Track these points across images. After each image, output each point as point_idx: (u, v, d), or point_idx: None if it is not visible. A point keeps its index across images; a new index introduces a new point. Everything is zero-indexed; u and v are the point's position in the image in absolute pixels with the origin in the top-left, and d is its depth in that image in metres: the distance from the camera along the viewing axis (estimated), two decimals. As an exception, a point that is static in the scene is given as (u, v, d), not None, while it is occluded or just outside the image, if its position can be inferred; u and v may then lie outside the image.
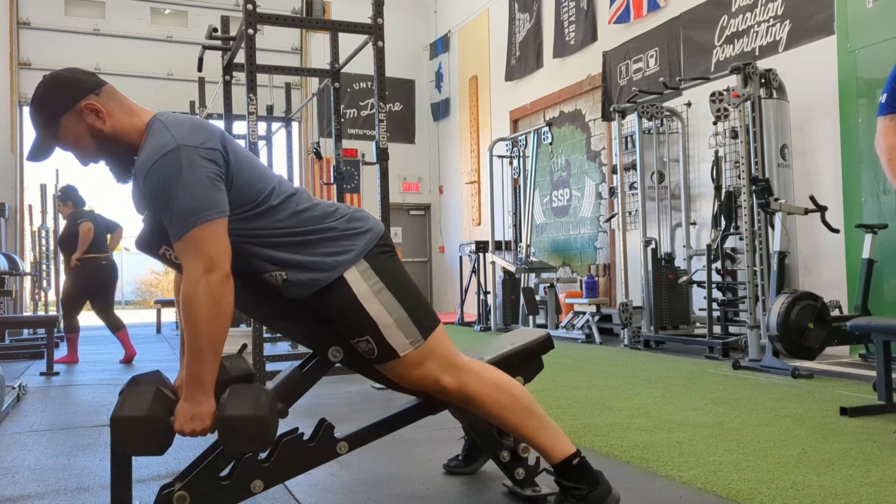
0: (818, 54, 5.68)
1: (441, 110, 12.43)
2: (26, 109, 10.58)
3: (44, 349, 6.09)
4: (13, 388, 4.17)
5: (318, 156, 6.73)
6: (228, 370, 1.76)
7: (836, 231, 4.93)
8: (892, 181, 2.94)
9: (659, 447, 2.70)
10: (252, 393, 1.65)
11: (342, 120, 6.16)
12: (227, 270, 1.64)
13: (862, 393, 3.77)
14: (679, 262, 6.55)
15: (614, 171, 6.93)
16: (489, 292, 8.89)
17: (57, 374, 5.37)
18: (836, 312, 4.67)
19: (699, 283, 6.02)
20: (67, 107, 1.70)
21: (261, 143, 6.64)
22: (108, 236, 6.30)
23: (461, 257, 10.00)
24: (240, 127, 6.16)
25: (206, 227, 1.62)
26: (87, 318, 6.24)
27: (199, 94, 7.72)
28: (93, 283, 6.06)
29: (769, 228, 5.03)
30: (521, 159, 8.74)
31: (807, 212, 4.85)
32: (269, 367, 4.24)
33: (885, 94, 3.14)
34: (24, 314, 9.33)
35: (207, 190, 1.63)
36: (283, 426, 1.92)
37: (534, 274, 8.36)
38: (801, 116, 5.79)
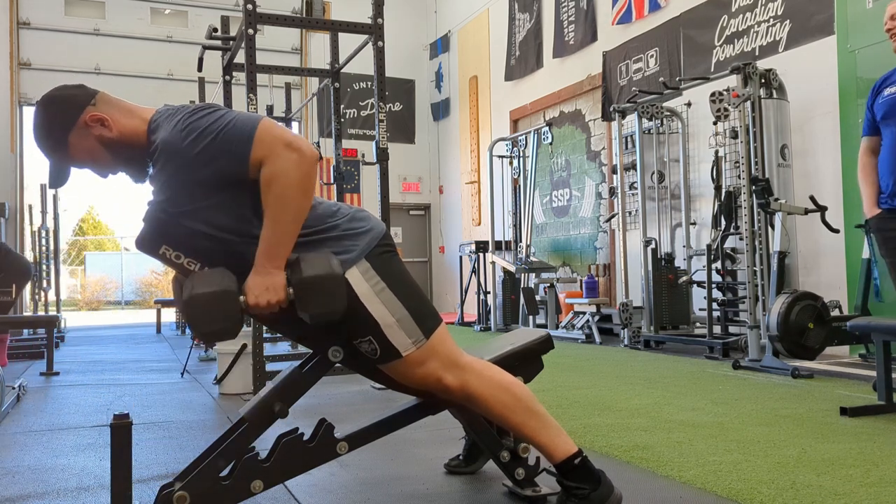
0: (818, 54, 5.68)
1: (441, 110, 12.43)
2: (26, 109, 10.61)
3: (44, 349, 6.09)
4: (13, 388, 4.17)
5: (318, 156, 6.73)
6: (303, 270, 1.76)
7: (836, 231, 4.93)
8: (861, 190, 3.46)
9: (659, 447, 2.70)
10: (322, 257, 1.70)
11: (342, 120, 6.16)
12: (312, 149, 1.67)
13: (862, 393, 3.77)
14: (679, 262, 6.55)
15: (614, 171, 6.93)
16: (489, 292, 8.89)
17: (57, 374, 5.37)
18: (836, 312, 4.67)
19: (699, 283, 6.02)
20: (71, 124, 1.70)
21: (261, 143, 6.63)
22: None
23: (461, 257, 10.00)
24: (240, 127, 6.14)
25: (267, 122, 1.67)
26: (87, 318, 6.23)
27: (199, 94, 7.72)
28: None
29: (769, 228, 5.03)
30: (521, 159, 8.74)
31: (807, 212, 4.85)
32: (269, 367, 4.24)
33: (865, 117, 3.47)
34: (24, 314, 9.33)
35: (242, 112, 1.71)
36: (283, 426, 1.92)
37: (534, 274, 8.36)
38: (801, 116, 5.79)
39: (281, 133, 1.65)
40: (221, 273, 1.67)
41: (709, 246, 5.75)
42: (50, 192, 10.01)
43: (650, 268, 6.28)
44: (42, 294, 9.69)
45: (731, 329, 5.78)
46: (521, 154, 8.74)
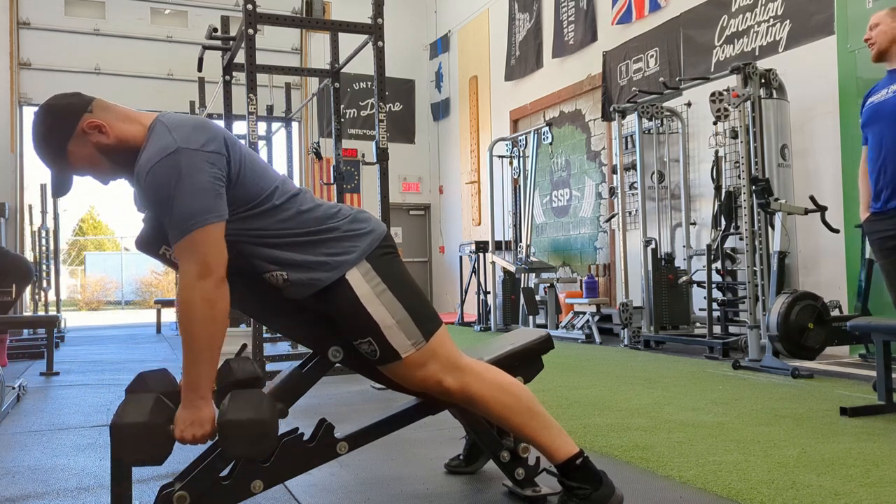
0: (818, 54, 5.68)
1: (441, 110, 12.43)
2: (27, 109, 10.61)
3: (44, 349, 6.09)
4: (13, 388, 4.17)
5: (318, 156, 6.73)
6: (235, 372, 1.76)
7: (836, 231, 4.93)
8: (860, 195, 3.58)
9: (659, 447, 2.70)
10: (252, 397, 1.65)
11: (342, 120, 6.16)
12: (221, 275, 1.64)
13: (862, 393, 3.77)
14: (679, 262, 6.55)
15: (614, 171, 6.93)
16: (489, 292, 8.88)
17: (57, 374, 5.37)
18: (836, 312, 4.67)
19: (699, 283, 6.02)
20: (69, 133, 1.69)
21: (261, 143, 6.65)
22: None
23: (461, 257, 10.00)
24: (240, 127, 6.16)
25: (202, 232, 1.62)
26: (87, 318, 6.24)
27: (199, 94, 7.72)
28: None
29: (769, 228, 5.03)
30: (521, 159, 8.74)
31: (807, 212, 4.85)
32: (269, 367, 4.24)
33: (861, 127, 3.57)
34: (24, 314, 9.33)
35: (206, 194, 1.63)
36: (283, 426, 1.92)
37: (534, 274, 8.36)
38: (801, 116, 5.79)
39: (203, 253, 1.62)
40: (154, 401, 1.64)
41: (709, 246, 5.74)
42: (50, 193, 10.01)
43: (650, 268, 6.28)
44: (42, 294, 9.69)
45: (731, 329, 5.78)
46: (521, 154, 8.74)
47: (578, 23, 8.72)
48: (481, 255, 9.14)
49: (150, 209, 1.73)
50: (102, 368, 5.77)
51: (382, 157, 4.39)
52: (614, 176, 6.97)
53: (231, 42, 5.29)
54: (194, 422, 1.63)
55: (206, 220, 1.62)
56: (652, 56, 7.47)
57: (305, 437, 1.84)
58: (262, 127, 7.63)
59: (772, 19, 6.12)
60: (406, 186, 12.62)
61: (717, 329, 5.82)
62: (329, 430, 1.85)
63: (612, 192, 7.03)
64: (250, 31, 4.24)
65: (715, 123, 5.74)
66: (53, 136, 1.69)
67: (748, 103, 5.08)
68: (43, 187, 10.17)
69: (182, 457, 2.73)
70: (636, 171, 6.56)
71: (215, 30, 5.31)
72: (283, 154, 7.64)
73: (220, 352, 1.66)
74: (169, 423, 1.63)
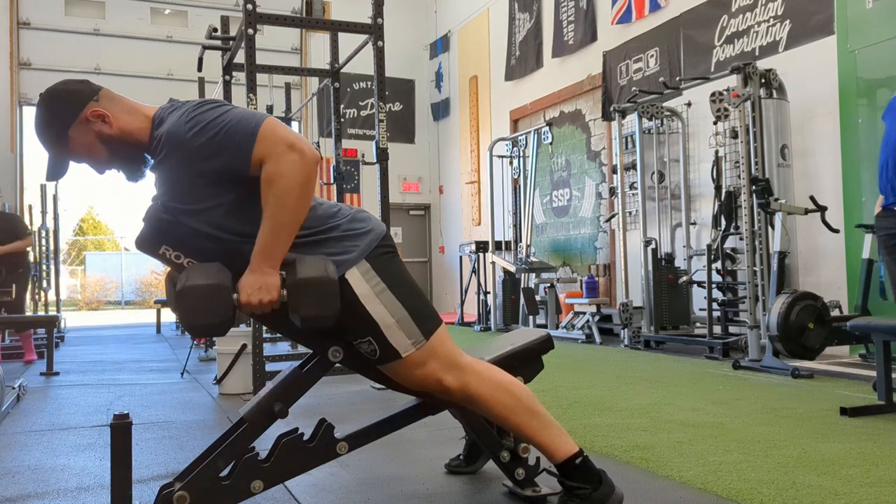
0: (818, 54, 5.68)
1: (441, 110, 12.43)
2: (26, 109, 10.61)
3: (44, 349, 6.09)
4: (13, 388, 4.17)
5: (319, 157, 6.73)
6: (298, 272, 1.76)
7: (836, 231, 4.93)
8: None
9: (659, 447, 2.70)
10: (318, 261, 1.70)
11: (342, 120, 6.16)
12: (313, 151, 1.68)
13: (862, 393, 3.77)
14: (679, 262, 6.55)
15: (614, 171, 6.93)
16: (489, 292, 8.88)
17: (57, 374, 5.37)
18: (836, 312, 4.67)
19: (699, 283, 6.02)
20: (72, 119, 1.71)
21: (261, 143, 6.63)
22: None
23: (461, 257, 10.00)
24: (240, 127, 6.14)
25: (271, 121, 1.68)
26: (87, 318, 6.24)
27: (199, 94, 7.72)
28: None
29: (769, 228, 5.03)
30: (521, 159, 8.74)
31: (807, 212, 4.85)
32: (269, 367, 4.24)
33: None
34: (24, 314, 9.31)
35: (248, 110, 1.72)
36: (283, 426, 1.92)
37: (534, 274, 8.36)
38: (801, 116, 5.79)
39: (284, 133, 1.65)
40: (217, 268, 1.67)
41: (709, 246, 5.75)
42: (50, 193, 10.01)
43: (650, 268, 6.28)
44: (42, 294, 9.69)
45: (731, 329, 5.78)
46: (521, 154, 8.74)
47: (578, 23, 8.72)
48: (481, 255, 9.14)
49: (198, 157, 1.69)
50: (102, 368, 5.77)
51: (382, 157, 4.39)
52: (614, 176, 6.97)
53: (231, 42, 5.29)
54: (262, 287, 1.66)
55: (265, 116, 1.69)
56: (652, 56, 7.47)
57: (305, 437, 1.84)
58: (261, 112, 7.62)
59: (772, 19, 6.12)
60: (406, 186, 12.62)
61: (717, 329, 5.82)
62: (329, 430, 1.85)
63: (612, 192, 7.03)
64: (250, 31, 4.24)
65: (715, 123, 5.74)
66: (56, 120, 1.71)
67: (748, 103, 5.08)
68: (43, 187, 10.17)
69: (182, 457, 2.74)
70: (636, 171, 6.56)
71: (215, 30, 5.31)
72: (282, 154, 7.63)
73: (299, 227, 1.70)
74: (234, 290, 1.66)
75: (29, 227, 6.10)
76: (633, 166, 6.68)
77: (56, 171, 1.78)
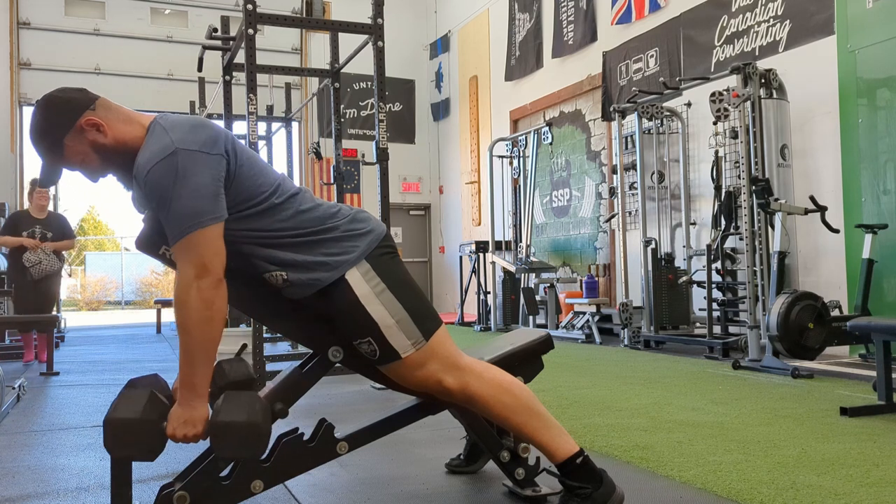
0: (818, 54, 5.68)
1: (441, 110, 12.43)
2: (26, 109, 10.60)
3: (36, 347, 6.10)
4: (13, 388, 4.17)
5: (318, 156, 6.73)
6: (227, 374, 1.76)
7: (836, 231, 4.93)
8: None
9: (659, 447, 2.70)
10: (246, 399, 1.66)
11: (342, 120, 6.16)
12: (219, 275, 1.64)
13: (862, 393, 3.77)
14: (679, 262, 6.55)
15: (614, 171, 6.93)
16: (489, 292, 8.88)
17: (57, 374, 5.37)
18: (836, 312, 4.67)
19: (699, 283, 6.02)
20: (68, 127, 1.70)
21: (261, 143, 6.65)
22: None
23: (461, 257, 10.00)
24: (240, 127, 6.16)
25: (200, 233, 1.63)
26: (87, 318, 6.24)
27: (199, 94, 7.72)
28: None
29: (769, 228, 5.03)
30: (521, 159, 8.74)
31: (807, 212, 4.85)
32: (269, 367, 4.24)
33: None
34: (25, 314, 9.29)
35: (204, 195, 1.64)
36: (283, 426, 1.92)
37: (534, 274, 8.36)
38: (801, 116, 5.79)
39: (201, 254, 1.62)
40: (148, 397, 1.65)
41: (709, 246, 5.74)
42: (50, 193, 9.99)
43: (650, 268, 6.28)
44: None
45: (731, 329, 5.78)
46: (521, 154, 8.74)
47: (578, 23, 8.72)
48: (481, 255, 9.14)
49: (150, 210, 1.74)
50: (102, 368, 5.77)
51: (382, 157, 4.39)
52: (614, 176, 6.97)
53: (231, 42, 5.29)
54: (187, 421, 1.63)
55: (203, 221, 1.63)
56: (652, 56, 7.47)
57: (305, 437, 1.84)
58: (262, 127, 7.63)
59: (772, 19, 6.12)
60: (406, 186, 12.62)
61: (717, 329, 5.82)
62: (329, 430, 1.85)
63: (612, 192, 7.03)
64: (250, 31, 4.24)
65: (715, 123, 5.74)
66: (52, 128, 1.70)
67: (748, 103, 5.08)
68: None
69: (182, 456, 2.74)
70: (636, 171, 6.56)
71: (215, 30, 5.31)
72: (283, 154, 7.65)
73: (216, 352, 1.67)
74: (162, 420, 1.64)
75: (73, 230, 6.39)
76: (633, 166, 6.68)
77: (49, 177, 1.78)
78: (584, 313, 7.36)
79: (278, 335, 6.56)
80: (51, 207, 6.29)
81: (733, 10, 6.51)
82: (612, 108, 6.79)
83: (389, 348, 1.78)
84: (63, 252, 6.27)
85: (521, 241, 8.51)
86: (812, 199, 4.88)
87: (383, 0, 4.46)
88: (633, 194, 6.95)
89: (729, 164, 6.01)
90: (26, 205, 6.49)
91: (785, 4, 5.99)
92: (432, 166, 12.75)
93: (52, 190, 9.92)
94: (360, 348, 1.81)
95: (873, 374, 3.68)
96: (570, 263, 9.17)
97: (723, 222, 5.79)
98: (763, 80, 5.40)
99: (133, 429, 1.61)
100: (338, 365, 1.88)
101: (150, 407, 1.64)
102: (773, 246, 4.87)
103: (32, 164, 10.91)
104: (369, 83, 11.82)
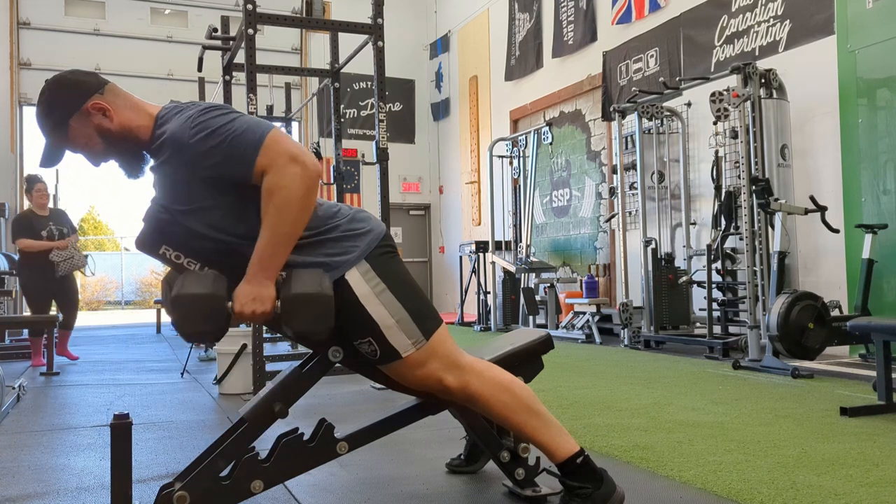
0: (818, 54, 5.68)
1: (441, 110, 12.43)
2: (26, 109, 10.60)
3: (44, 349, 6.08)
4: (13, 388, 4.17)
5: (318, 156, 6.73)
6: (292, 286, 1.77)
7: (836, 231, 4.93)
8: None
9: (659, 447, 2.70)
10: (315, 275, 1.70)
11: (342, 120, 6.16)
12: (316, 164, 1.68)
13: (862, 393, 3.77)
14: (679, 262, 6.55)
15: (614, 171, 6.93)
16: (489, 292, 8.88)
17: (57, 374, 5.37)
18: (836, 312, 4.67)
19: (699, 283, 6.02)
20: (75, 109, 1.71)
21: (261, 143, 6.63)
22: None
23: (461, 257, 10.00)
24: (240, 127, 6.15)
25: (276, 132, 1.68)
26: (87, 318, 6.24)
27: (199, 94, 7.72)
28: None
29: (769, 228, 5.03)
30: (521, 159, 8.74)
31: (807, 212, 4.85)
32: (269, 367, 4.24)
33: None
34: (25, 314, 9.32)
35: (253, 118, 1.72)
36: (283, 426, 1.92)
37: (534, 274, 8.36)
38: (801, 116, 5.79)
39: (287, 145, 1.66)
40: (213, 276, 1.67)
41: (709, 246, 5.75)
42: (50, 193, 9.99)
43: (650, 268, 6.28)
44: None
45: (731, 329, 5.78)
46: (521, 154, 8.74)
47: (578, 23, 8.72)
48: (481, 255, 9.14)
49: (201, 162, 1.69)
50: (102, 368, 5.77)
51: (382, 157, 4.39)
52: (614, 176, 6.97)
53: (231, 42, 5.29)
54: (256, 297, 1.66)
55: (270, 126, 1.69)
56: (652, 56, 7.47)
57: (305, 437, 1.84)
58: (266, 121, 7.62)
59: (772, 19, 6.12)
60: (406, 186, 12.62)
61: (717, 329, 5.82)
62: (329, 430, 1.85)
63: (612, 192, 7.03)
64: (250, 31, 4.24)
65: (715, 123, 5.74)
66: (59, 108, 1.72)
67: (748, 103, 5.08)
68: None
69: (182, 457, 2.74)
70: (636, 171, 6.56)
71: (215, 30, 5.31)
72: (282, 154, 7.63)
73: (296, 241, 1.70)
74: (228, 299, 1.66)
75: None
76: (633, 166, 6.68)
77: (51, 159, 1.78)
78: (584, 313, 7.36)
79: (278, 335, 6.56)
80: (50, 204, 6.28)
81: (733, 10, 6.51)
82: (612, 108, 6.79)
83: (390, 348, 1.78)
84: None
85: (521, 241, 8.51)
86: (812, 199, 4.88)
87: (383, 0, 4.46)
88: (633, 194, 6.95)
89: (729, 164, 6.02)
90: (26, 204, 6.48)
91: (785, 4, 5.99)
92: (432, 166, 12.75)
93: (51, 189, 9.94)
94: (361, 348, 1.81)
95: (873, 374, 3.68)
96: (570, 263, 9.17)
97: (723, 222, 5.79)
98: (763, 80, 5.40)
99: (203, 304, 1.62)
100: (338, 365, 1.87)
101: (218, 284, 1.66)
102: (773, 246, 4.87)
103: (32, 163, 10.91)
104: (369, 83, 11.82)
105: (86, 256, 6.12)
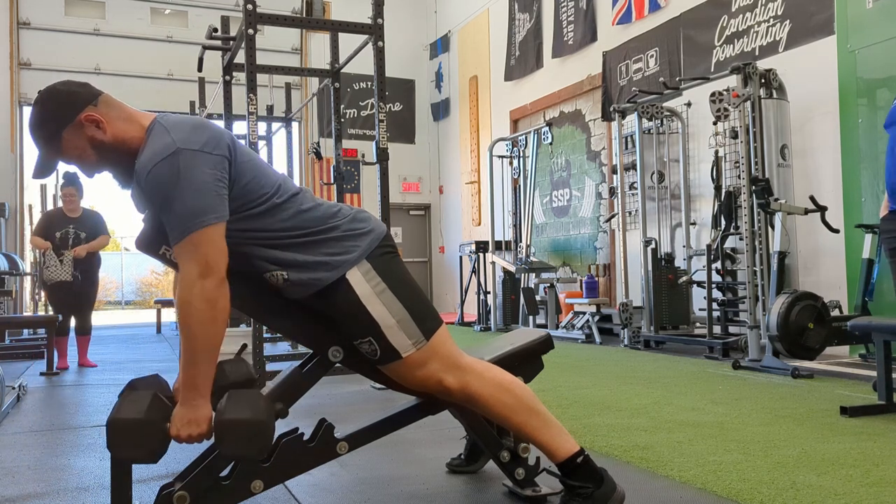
0: (818, 54, 5.68)
1: (441, 110, 12.43)
2: (26, 109, 10.60)
3: (44, 349, 6.09)
4: (13, 388, 4.17)
5: (318, 156, 6.73)
6: (228, 374, 1.75)
7: (836, 231, 4.93)
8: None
9: (659, 447, 2.70)
10: (250, 397, 1.66)
11: (342, 120, 6.16)
12: (222, 275, 1.64)
13: (862, 393, 3.77)
14: (679, 262, 6.55)
15: (614, 171, 6.93)
16: (489, 292, 8.88)
17: (57, 374, 5.37)
18: (836, 312, 4.67)
19: (699, 283, 6.02)
20: (67, 121, 1.69)
21: (261, 143, 6.65)
22: None
23: (461, 257, 10.00)
24: (240, 127, 6.16)
25: (203, 232, 1.62)
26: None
27: (199, 94, 7.72)
28: None
29: (769, 228, 5.03)
30: (521, 159, 8.74)
31: (807, 212, 4.85)
32: (269, 367, 4.24)
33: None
34: (24, 314, 9.32)
35: (206, 194, 1.63)
36: (283, 426, 1.92)
37: (534, 274, 8.35)
38: (801, 116, 5.79)
39: (203, 253, 1.61)
40: (150, 399, 1.64)
41: (709, 246, 5.74)
42: (50, 193, 10.01)
43: (650, 268, 6.28)
44: (42, 294, 9.69)
45: (731, 329, 5.78)
46: (521, 154, 8.74)
47: (578, 23, 8.72)
48: (481, 255, 9.14)
49: (151, 210, 1.73)
50: (102, 368, 5.77)
51: (382, 157, 4.39)
52: (614, 176, 6.97)
53: (231, 42, 5.29)
54: (191, 420, 1.63)
55: (206, 220, 1.62)
56: (652, 56, 7.47)
57: (305, 437, 1.84)
58: (262, 127, 7.63)
59: (772, 19, 6.12)
60: (406, 186, 12.62)
61: (717, 329, 5.82)
62: (329, 430, 1.85)
63: (612, 192, 7.03)
64: (250, 31, 4.24)
65: (715, 123, 5.74)
66: (51, 120, 1.70)
67: (748, 103, 5.08)
68: (43, 187, 10.18)
69: (182, 456, 2.74)
70: (636, 171, 6.56)
71: (215, 30, 5.31)
72: (283, 154, 7.64)
73: (219, 351, 1.66)
74: (165, 421, 1.63)
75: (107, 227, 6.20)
76: (633, 166, 6.68)
77: (44, 171, 1.77)
78: (584, 313, 7.36)
79: (278, 335, 6.56)
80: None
81: (733, 10, 6.51)
82: (612, 108, 6.79)
83: (390, 348, 1.78)
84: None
85: (521, 241, 8.51)
86: (812, 199, 4.88)
87: (383, 0, 4.46)
88: (633, 194, 6.95)
89: (729, 164, 6.01)
90: (27, 205, 6.43)
91: (785, 4, 5.99)
92: (432, 166, 12.75)
93: (51, 189, 9.94)
94: (361, 348, 1.81)
95: (873, 374, 3.68)
96: (570, 263, 9.17)
97: (723, 222, 5.79)
98: (763, 80, 5.40)
99: (136, 430, 1.60)
100: (338, 365, 1.87)
101: (154, 408, 1.63)
102: (773, 246, 4.87)
103: (32, 164, 10.90)
104: (369, 83, 11.82)
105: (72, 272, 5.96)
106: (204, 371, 1.64)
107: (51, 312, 5.90)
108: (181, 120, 1.72)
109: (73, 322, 5.91)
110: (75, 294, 5.81)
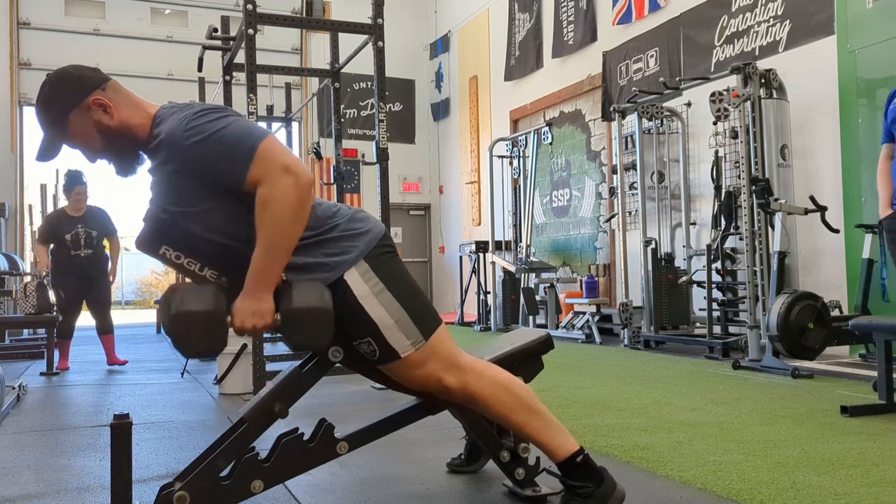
0: (818, 54, 5.68)
1: (441, 110, 12.43)
2: (26, 109, 10.60)
3: (44, 349, 6.08)
4: (13, 388, 4.17)
5: (318, 156, 6.73)
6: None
7: (836, 231, 4.93)
8: (878, 193, 3.69)
9: (659, 447, 2.70)
10: (315, 288, 1.69)
11: (342, 120, 6.16)
12: (308, 175, 1.67)
13: (862, 393, 3.77)
14: (679, 262, 6.55)
15: (614, 171, 6.93)
16: (489, 292, 8.88)
17: (57, 374, 5.37)
18: (836, 312, 4.67)
19: (699, 283, 6.02)
20: (75, 103, 1.71)
21: (261, 143, 6.63)
22: None
23: (461, 257, 10.00)
24: (240, 127, 6.13)
25: (265, 144, 1.66)
26: (87, 318, 6.24)
27: (199, 94, 7.73)
28: None
29: (769, 228, 5.03)
30: (521, 159, 8.74)
31: (807, 212, 4.85)
32: (269, 367, 4.24)
33: (883, 125, 3.66)
34: (26, 314, 9.30)
35: (247, 123, 1.70)
36: (283, 426, 1.92)
37: (534, 274, 8.35)
38: (801, 116, 5.79)
39: (280, 156, 1.65)
40: (213, 292, 1.66)
41: (709, 246, 5.74)
42: (50, 193, 10.01)
43: (650, 268, 6.28)
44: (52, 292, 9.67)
45: (731, 329, 5.78)
46: (521, 154, 8.74)
47: (578, 23, 8.72)
48: (481, 255, 9.14)
49: (194, 167, 1.68)
50: (102, 368, 5.77)
51: (382, 157, 4.39)
52: (614, 176, 6.97)
53: (231, 42, 5.29)
54: (256, 312, 1.65)
55: (261, 136, 1.67)
56: (652, 56, 7.47)
57: (305, 437, 1.84)
58: (262, 127, 7.62)
59: (772, 19, 6.12)
60: (406, 186, 12.62)
61: (717, 329, 5.82)
62: (329, 430, 1.85)
63: (612, 192, 7.03)
64: (250, 31, 4.24)
65: (715, 123, 5.74)
66: (59, 101, 1.72)
67: (748, 103, 5.08)
68: (43, 187, 10.18)
69: (182, 457, 2.74)
70: (636, 171, 6.56)
71: (215, 30, 5.31)
72: (282, 154, 7.63)
73: (292, 252, 1.70)
74: (227, 314, 1.65)
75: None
76: (633, 166, 6.68)
77: (48, 152, 1.78)
78: (584, 313, 7.36)
79: (278, 335, 6.55)
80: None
81: (733, 10, 6.51)
82: (612, 108, 6.79)
83: (389, 348, 1.78)
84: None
85: (521, 241, 8.51)
86: (812, 199, 4.88)
87: (383, 0, 4.46)
88: (633, 194, 6.95)
89: (729, 164, 6.01)
90: (27, 205, 6.40)
91: (785, 4, 5.99)
92: (432, 166, 12.75)
93: (51, 189, 9.94)
94: (360, 348, 1.81)
95: (873, 373, 3.68)
96: (570, 263, 9.17)
97: (723, 222, 5.79)
98: (763, 80, 5.40)
99: (204, 322, 1.61)
100: (338, 365, 1.87)
101: (218, 299, 1.64)
102: (773, 246, 4.87)
103: (32, 163, 10.92)
104: (369, 83, 11.82)
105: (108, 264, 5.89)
106: (279, 265, 1.67)
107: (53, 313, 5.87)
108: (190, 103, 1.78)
109: (93, 322, 5.90)
110: (96, 294, 5.79)
